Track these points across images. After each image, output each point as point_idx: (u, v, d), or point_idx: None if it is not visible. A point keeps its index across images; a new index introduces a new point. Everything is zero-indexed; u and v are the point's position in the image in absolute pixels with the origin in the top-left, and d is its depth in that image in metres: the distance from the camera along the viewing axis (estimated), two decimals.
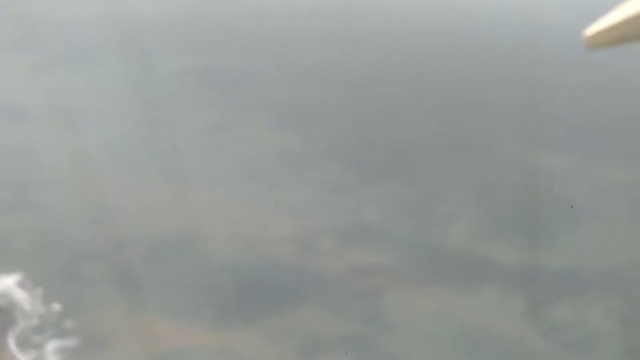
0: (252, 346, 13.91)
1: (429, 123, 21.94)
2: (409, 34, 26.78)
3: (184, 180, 18.35)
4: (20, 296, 14.71)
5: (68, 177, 17.78)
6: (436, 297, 15.24)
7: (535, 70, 25.63)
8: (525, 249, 16.95)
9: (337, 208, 17.88)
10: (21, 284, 15.02)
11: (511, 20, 29.57)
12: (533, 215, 18.28)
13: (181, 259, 15.75)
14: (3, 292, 14.85)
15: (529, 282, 15.83)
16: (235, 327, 14.48)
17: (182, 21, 29.51)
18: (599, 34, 4.53)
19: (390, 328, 14.38)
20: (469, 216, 17.91)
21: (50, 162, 19.06)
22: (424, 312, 14.79)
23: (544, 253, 16.82)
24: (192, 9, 30.49)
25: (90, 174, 18.13)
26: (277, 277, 15.61)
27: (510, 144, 21.35)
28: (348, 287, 15.37)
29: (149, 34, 27.85)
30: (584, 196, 19.19)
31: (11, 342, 13.76)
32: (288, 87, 24.40)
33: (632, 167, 20.71)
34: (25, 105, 22.11)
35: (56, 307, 14.40)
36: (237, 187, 18.45)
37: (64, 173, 18.07)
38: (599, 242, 17.46)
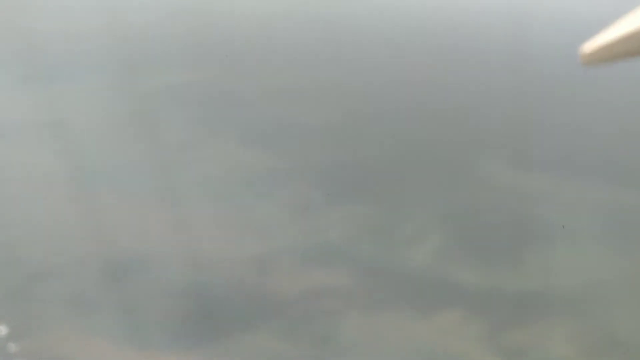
0: None
1: (403, 140, 21.71)
2: (390, 51, 26.59)
3: (147, 199, 18.12)
4: None
5: (29, 193, 17.59)
6: (394, 320, 14.91)
7: (521, 87, 25.50)
8: (490, 271, 16.65)
9: (301, 228, 17.60)
10: None
11: (500, 34, 29.40)
12: (501, 236, 18.02)
13: (137, 280, 15.45)
14: None
15: (491, 305, 15.50)
16: (188, 350, 14.16)
17: (170, 36, 29.41)
18: (597, 50, 4.39)
19: (344, 351, 14.05)
20: (435, 237, 17.60)
21: (11, 178, 18.85)
22: (380, 335, 14.47)
23: (509, 275, 16.53)
24: (184, 23, 30.38)
25: (52, 191, 17.94)
26: (233, 299, 15.30)
27: (485, 163, 21.12)
28: (305, 310, 15.05)
29: (134, 50, 27.79)
30: (556, 217, 18.92)
31: None
32: (264, 104, 24.22)
33: (609, 187, 20.48)
34: None
35: (2, 329, 14.11)
36: (201, 206, 18.19)
37: (25, 189, 17.89)
38: (567, 264, 17.15)
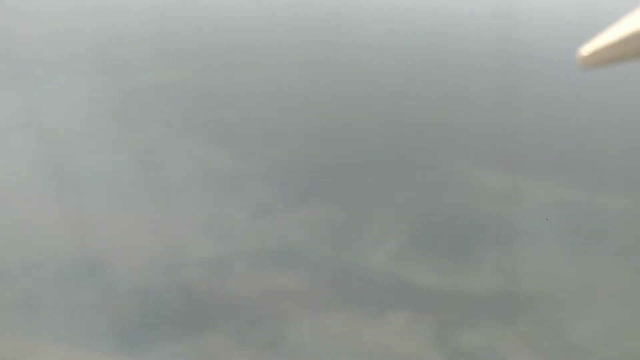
0: None
1: (372, 142, 21.64)
2: (365, 53, 26.52)
3: (108, 200, 18.11)
4: None
5: None
6: (345, 321, 14.85)
7: (497, 86, 25.39)
8: (449, 272, 16.58)
9: (261, 230, 17.56)
10: None
11: (485, 35, 29.33)
12: (464, 238, 17.95)
13: (90, 283, 15.44)
14: None
15: (445, 306, 15.43)
16: (137, 354, 14.15)
17: (148, 36, 29.40)
18: (595, 53, 4.36)
19: (292, 354, 14.00)
20: (396, 238, 17.54)
21: None
22: (332, 337, 14.41)
23: (467, 277, 16.45)
24: (162, 24, 30.37)
25: (9, 192, 17.94)
26: (186, 302, 15.27)
27: (453, 163, 21.04)
28: (257, 312, 15.01)
29: (113, 49, 27.79)
30: (522, 217, 18.84)
31: None
32: (237, 105, 24.19)
33: (581, 187, 20.39)
34: None
35: None
36: (162, 208, 18.16)
37: None
38: (528, 266, 17.06)
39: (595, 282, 16.72)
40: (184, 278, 15.87)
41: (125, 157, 20.32)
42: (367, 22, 28.85)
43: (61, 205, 17.70)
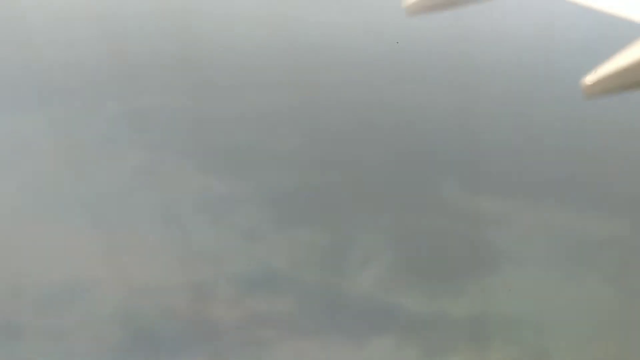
0: None
1: (361, 165, 21.64)
2: (350, 77, 26.60)
3: (93, 225, 18.12)
4: None
5: None
6: (329, 346, 14.81)
7: (495, 110, 25.38)
8: (435, 296, 16.53)
9: (247, 254, 17.55)
10: None
11: (468, 57, 29.28)
12: (451, 262, 17.90)
13: (72, 308, 15.43)
14: None
15: (429, 330, 15.38)
16: None
17: (144, 60, 29.50)
18: (599, 82, 4.41)
19: None
20: (383, 263, 17.50)
21: None
22: None
23: (453, 300, 16.39)
24: (158, 48, 30.49)
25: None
26: (168, 327, 15.24)
27: (445, 186, 21.00)
28: (240, 337, 14.98)
29: (106, 74, 27.88)
30: (510, 242, 18.75)
31: None
32: (227, 129, 24.22)
33: (572, 212, 20.29)
34: None
35: None
36: (147, 232, 18.16)
37: None
38: (514, 289, 17.00)
39: (580, 307, 16.67)
40: (168, 303, 15.84)
41: (114, 181, 20.35)
42: (358, 43, 29.00)
43: (48, 229, 17.72)
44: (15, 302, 15.25)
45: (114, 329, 14.92)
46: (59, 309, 15.40)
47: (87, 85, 26.67)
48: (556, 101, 24.45)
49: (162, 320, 15.31)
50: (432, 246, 18.29)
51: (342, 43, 28.72)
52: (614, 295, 17.10)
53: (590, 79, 4.51)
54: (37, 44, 29.84)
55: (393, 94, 24.96)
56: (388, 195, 20.05)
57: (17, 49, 29.23)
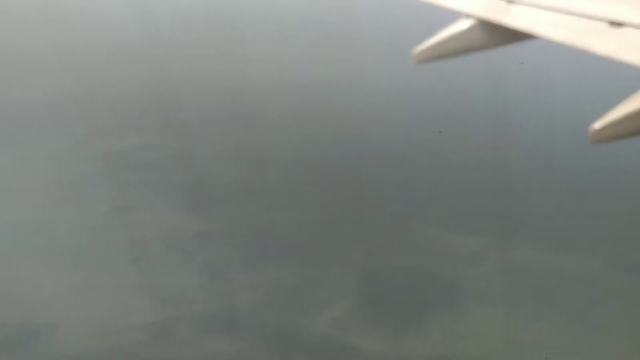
0: None
1: (333, 202, 21.68)
2: (323, 112, 26.76)
3: (62, 264, 18.31)
4: None
5: None
6: None
7: (473, 150, 25.30)
8: (396, 337, 16.44)
9: (210, 293, 17.59)
10: None
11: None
12: (416, 301, 17.80)
13: (29, 349, 15.53)
14: None
15: None
16: None
17: (133, 98, 29.82)
18: (607, 127, 4.53)
19: None
20: (347, 302, 17.46)
21: None
22: None
23: (414, 341, 16.28)
24: (147, 87, 30.80)
25: None
26: None
27: (416, 224, 20.97)
28: None
29: (94, 113, 28.23)
30: (478, 280, 18.65)
31: None
32: (209, 167, 24.41)
33: (542, 249, 20.08)
34: None
35: None
36: (116, 271, 18.29)
37: None
38: (477, 329, 16.86)
39: (548, 346, 16.50)
40: (125, 343, 15.89)
41: (93, 221, 20.56)
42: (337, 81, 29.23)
43: (14, 269, 17.91)
44: None
45: None
46: (17, 350, 15.50)
47: (68, 125, 26.97)
48: (535, 143, 24.41)
49: None
50: (397, 285, 18.23)
51: (327, 83, 29.01)
52: (584, 332, 16.90)
53: (598, 124, 4.51)
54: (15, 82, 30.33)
55: (372, 130, 25.09)
56: (358, 234, 20.04)
57: None
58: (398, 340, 16.32)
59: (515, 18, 6.90)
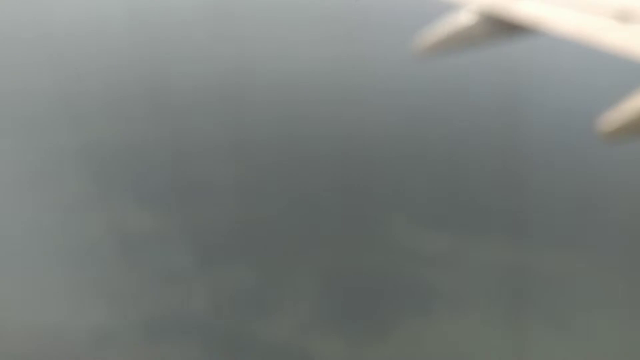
0: None
1: (300, 198, 20.69)
2: (290, 109, 25.80)
3: (6, 264, 17.31)
4: None
5: None
6: None
7: (471, 146, 24.35)
8: (356, 342, 15.42)
9: (161, 296, 16.55)
10: None
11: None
12: (382, 304, 16.79)
13: None
14: None
15: None
16: None
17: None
18: (613, 125, 4.49)
19: None
20: (306, 305, 16.43)
21: None
22: None
23: (375, 346, 15.27)
24: (121, 79, 29.89)
25: None
26: None
27: (387, 223, 19.98)
28: None
29: (62, 107, 27.25)
30: (446, 281, 17.62)
31: None
32: (175, 163, 23.40)
33: (511, 248, 19.06)
34: None
35: None
36: (62, 273, 17.26)
37: None
38: (439, 332, 15.85)
39: (518, 350, 15.50)
40: (66, 348, 14.87)
41: (42, 219, 19.54)
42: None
43: None
44: None
45: None
46: None
47: (31, 116, 26.04)
48: (535, 139, 23.41)
49: None
50: (362, 288, 17.21)
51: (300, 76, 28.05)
52: (558, 337, 15.93)
53: (605, 122, 4.52)
54: None
55: (338, 125, 24.10)
56: (325, 233, 19.01)
57: None
58: (359, 345, 15.29)
59: (520, 11, 6.90)
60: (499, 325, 16.29)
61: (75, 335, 15.11)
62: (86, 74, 30.32)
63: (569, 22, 6.23)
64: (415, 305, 16.49)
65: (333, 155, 22.42)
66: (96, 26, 34.27)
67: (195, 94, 26.78)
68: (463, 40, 7.32)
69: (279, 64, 28.74)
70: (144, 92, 26.80)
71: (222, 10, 33.68)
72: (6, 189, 21.55)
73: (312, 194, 20.72)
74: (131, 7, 34.21)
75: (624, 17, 5.77)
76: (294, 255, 18.29)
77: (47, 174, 22.42)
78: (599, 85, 26.04)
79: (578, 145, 23.36)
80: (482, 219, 20.19)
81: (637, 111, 4.24)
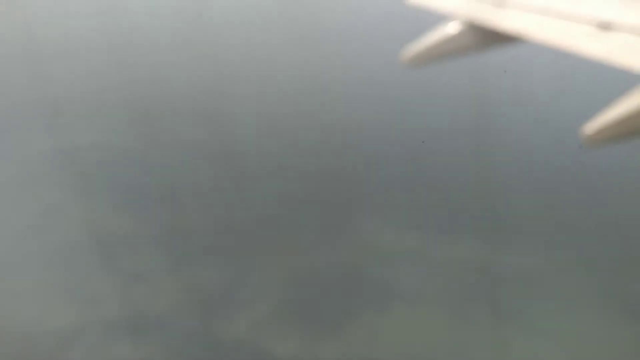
0: None
1: (270, 198, 21.14)
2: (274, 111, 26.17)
3: None
4: None
5: None
6: None
7: (453, 152, 24.61)
8: (313, 339, 15.85)
9: (128, 297, 17.07)
10: None
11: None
12: (340, 302, 17.19)
13: None
14: None
15: None
16: None
17: (90, 94, 29.38)
18: (598, 131, 4.48)
19: None
20: (267, 304, 16.90)
21: None
22: None
23: (331, 344, 15.70)
24: (105, 82, 30.39)
25: None
26: None
27: (354, 221, 20.37)
28: None
29: (41, 109, 27.77)
30: (407, 278, 17.99)
31: None
32: (154, 166, 23.92)
33: (478, 246, 19.37)
34: None
35: None
36: (34, 274, 17.83)
37: None
38: (396, 330, 16.23)
39: (471, 348, 15.86)
40: (30, 349, 15.42)
41: (23, 221, 20.13)
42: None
43: None
44: None
45: None
46: None
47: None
48: (518, 145, 23.67)
49: None
50: (324, 285, 17.64)
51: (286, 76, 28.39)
52: (510, 333, 16.27)
53: (589, 128, 4.48)
54: None
55: (321, 128, 24.53)
56: (291, 233, 19.48)
57: None
58: (314, 343, 15.74)
59: (504, 21, 7.01)
60: (454, 322, 16.66)
61: (41, 337, 15.66)
62: (69, 78, 30.86)
63: (552, 32, 6.33)
64: (373, 303, 16.90)
65: (310, 156, 22.86)
66: (77, 31, 34.85)
67: (180, 97, 27.28)
68: (449, 49, 7.52)
69: (273, 68, 29.20)
70: (128, 95, 27.34)
71: (205, 15, 34.14)
72: None
73: (284, 195, 21.21)
74: (118, 13, 34.67)
75: (605, 26, 5.89)
76: (256, 254, 18.77)
77: (26, 177, 22.98)
78: (581, 93, 26.30)
79: (559, 150, 23.60)
80: (454, 220, 20.54)
81: (620, 117, 4.30)
